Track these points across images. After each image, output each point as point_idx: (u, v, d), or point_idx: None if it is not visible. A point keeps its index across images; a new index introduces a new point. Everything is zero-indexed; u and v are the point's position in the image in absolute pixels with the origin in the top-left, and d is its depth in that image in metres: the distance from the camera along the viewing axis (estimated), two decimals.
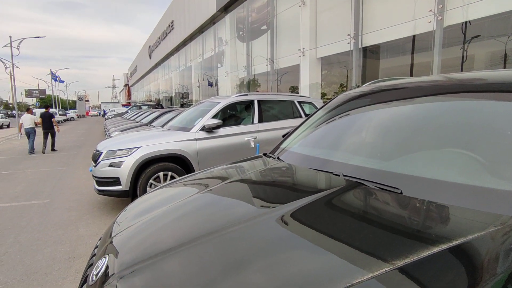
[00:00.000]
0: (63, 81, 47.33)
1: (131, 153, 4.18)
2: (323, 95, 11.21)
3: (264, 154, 2.20)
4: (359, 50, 8.86)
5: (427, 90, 1.79)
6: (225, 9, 17.89)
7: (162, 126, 5.91)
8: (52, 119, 11.07)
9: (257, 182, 1.67)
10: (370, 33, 8.41)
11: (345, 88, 10.36)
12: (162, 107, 24.84)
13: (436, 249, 0.82)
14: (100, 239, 1.50)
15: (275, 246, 0.97)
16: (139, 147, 4.24)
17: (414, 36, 7.99)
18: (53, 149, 11.07)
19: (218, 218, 1.23)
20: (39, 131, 11.28)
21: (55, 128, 11.13)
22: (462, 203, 1.09)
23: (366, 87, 2.21)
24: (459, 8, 6.14)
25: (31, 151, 10.54)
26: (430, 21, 6.60)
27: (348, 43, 8.90)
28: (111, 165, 4.18)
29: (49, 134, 10.96)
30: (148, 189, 4.21)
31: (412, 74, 10.23)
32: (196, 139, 4.51)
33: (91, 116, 56.90)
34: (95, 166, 4.32)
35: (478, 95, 1.56)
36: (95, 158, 4.40)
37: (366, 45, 8.82)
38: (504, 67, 8.51)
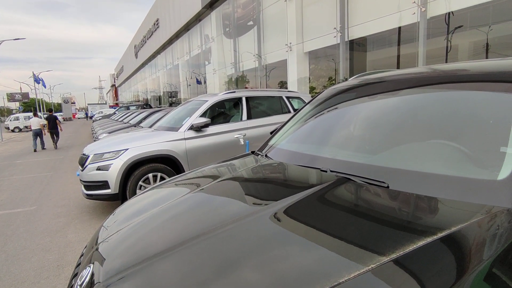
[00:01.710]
0: (45, 86, 46.13)
1: (119, 155, 4.11)
2: (311, 89, 11.23)
3: (253, 152, 2.18)
4: (345, 43, 8.90)
5: (413, 82, 1.80)
6: (210, 6, 17.69)
7: (151, 126, 5.82)
8: (56, 121, 12.97)
9: (248, 180, 1.66)
10: (356, 26, 8.44)
11: (333, 82, 10.41)
12: (151, 107, 24.55)
13: (425, 241, 0.83)
14: (85, 247, 1.46)
15: (269, 244, 0.96)
16: (127, 149, 4.16)
17: (399, 27, 8.05)
18: (55, 147, 12.93)
19: (210, 218, 1.21)
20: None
21: (59, 128, 13.06)
22: (447, 195, 1.09)
23: (353, 81, 2.21)
24: (441, 0, 6.21)
25: (43, 147, 12.73)
26: (414, 13, 6.67)
27: (335, 36, 8.92)
28: (98, 169, 4.09)
29: (54, 134, 12.91)
30: (137, 191, 4.15)
31: (399, 66, 10.36)
32: (185, 139, 4.46)
33: (78, 118, 55.81)
34: (82, 170, 4.23)
35: (461, 85, 1.57)
36: (82, 162, 4.30)
37: (353, 38, 8.86)
38: (487, 57, 8.68)
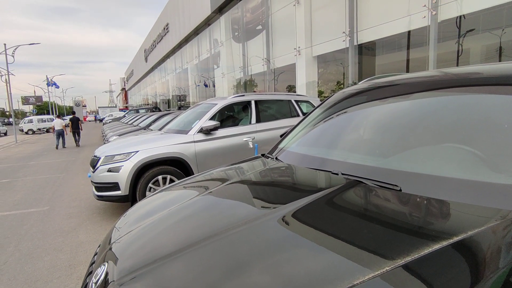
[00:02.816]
0: (58, 86, 47.06)
1: (129, 157, 4.17)
2: (320, 93, 11.20)
3: (263, 155, 2.19)
4: (354, 47, 8.86)
5: (424, 86, 1.79)
6: (219, 10, 17.87)
7: (160, 129, 5.89)
8: (79, 122, 15.00)
9: (257, 183, 1.66)
10: (365, 30, 8.41)
11: (342, 86, 10.37)
12: (160, 110, 24.80)
13: (437, 246, 0.81)
14: (99, 246, 1.49)
15: (277, 247, 0.96)
16: (137, 151, 4.22)
17: (409, 31, 7.99)
18: (77, 145, 14.74)
19: (219, 220, 1.22)
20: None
21: (80, 128, 15.19)
22: (461, 199, 1.08)
23: (363, 84, 2.21)
24: (453, 3, 6.15)
25: (63, 146, 14.43)
26: (425, 16, 6.61)
27: (344, 40, 8.90)
28: (109, 170, 4.16)
29: (76, 133, 14.84)
30: (147, 193, 4.19)
31: (408, 70, 10.25)
32: (194, 142, 4.50)
33: (89, 121, 56.71)
34: (93, 172, 4.30)
35: (474, 89, 1.56)
36: (93, 163, 4.38)
37: (362, 42, 8.83)
38: (500, 60, 8.52)
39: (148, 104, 47.14)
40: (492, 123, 1.37)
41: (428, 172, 1.25)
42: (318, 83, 11.30)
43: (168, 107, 35.30)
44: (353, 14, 8.56)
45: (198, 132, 4.58)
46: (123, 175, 4.08)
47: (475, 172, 1.21)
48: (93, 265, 1.30)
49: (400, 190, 1.18)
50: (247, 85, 16.43)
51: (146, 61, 43.56)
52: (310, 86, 11.06)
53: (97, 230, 3.90)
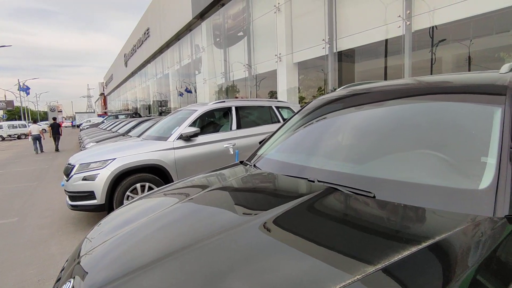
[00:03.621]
0: (28, 92, 45.03)
1: (106, 165, 4.04)
2: (301, 99, 11.36)
3: (241, 162, 2.18)
4: (334, 54, 9.07)
5: (398, 94, 1.84)
6: (201, 16, 17.85)
7: (139, 136, 5.76)
8: (59, 127, 15.40)
9: (236, 190, 1.65)
10: (344, 37, 8.64)
11: (323, 92, 10.56)
12: (140, 116, 24.31)
13: (413, 249, 0.85)
14: (67, 260, 1.41)
15: (258, 254, 0.96)
16: (115, 158, 4.09)
17: (386, 40, 8.28)
18: (57, 149, 14.84)
19: (199, 228, 1.20)
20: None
21: (60, 133, 15.45)
22: (432, 204, 1.11)
23: (340, 92, 2.25)
24: (425, 14, 6.44)
25: (41, 150, 14.58)
26: (400, 26, 6.88)
27: (323, 48, 9.10)
28: (84, 179, 4.00)
29: (56, 138, 15.09)
30: (125, 201, 4.06)
31: (386, 77, 10.60)
32: (174, 148, 4.42)
33: (65, 127, 54.73)
34: (67, 181, 4.13)
35: (445, 97, 1.62)
36: (67, 172, 4.21)
37: (341, 50, 9.05)
38: (469, 69, 8.99)
39: (128, 110, 46.12)
40: (461, 130, 1.43)
41: (401, 178, 1.28)
42: (299, 89, 11.47)
43: (149, 112, 34.68)
44: (332, 22, 8.78)
45: (177, 139, 4.50)
46: (99, 184, 3.93)
47: (445, 178, 1.25)
48: (59, 281, 1.23)
49: (374, 196, 1.20)
50: (229, 91, 16.42)
51: (126, 66, 42.71)
52: (291, 92, 11.20)
53: (71, 242, 3.73)
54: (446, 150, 1.39)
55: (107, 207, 3.98)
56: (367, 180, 1.32)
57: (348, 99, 2.07)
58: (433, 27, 7.14)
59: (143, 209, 1.60)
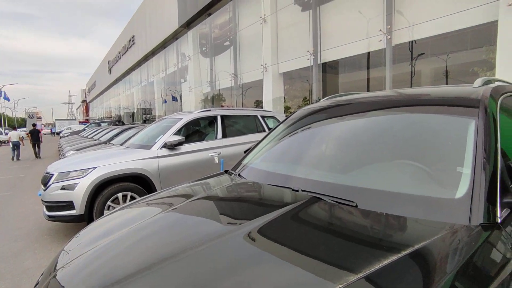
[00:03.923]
0: (8, 99, 43.45)
1: (87, 174, 3.92)
2: (286, 108, 11.49)
3: (226, 171, 2.17)
4: (318, 65, 9.27)
5: (379, 105, 1.89)
6: (187, 25, 17.89)
7: (122, 144, 5.64)
8: (39, 134, 15.11)
9: (220, 199, 1.64)
10: (328, 49, 8.86)
11: (307, 102, 10.73)
12: (123, 124, 23.85)
13: (394, 257, 0.88)
14: (42, 274, 1.35)
15: (242, 264, 0.96)
16: (96, 167, 3.98)
17: (368, 53, 8.54)
18: (38, 156, 14.66)
19: (183, 238, 1.18)
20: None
21: (40, 140, 15.21)
22: (412, 214, 1.14)
23: (324, 102, 2.29)
24: (405, 29, 6.71)
25: (18, 158, 14.24)
26: (381, 40, 7.13)
27: (308, 59, 9.28)
28: (63, 188, 3.87)
29: (36, 145, 14.82)
30: (105, 212, 3.94)
31: (368, 88, 10.90)
32: (158, 157, 4.35)
33: (44, 134, 52.90)
34: (44, 190, 3.98)
35: (423, 109, 1.68)
36: (45, 181, 4.05)
37: (325, 61, 9.26)
38: (446, 82, 9.38)
39: (111, 117, 45.22)
40: (438, 141, 1.48)
41: (382, 188, 1.31)
42: (284, 99, 11.60)
43: (133, 120, 34.10)
44: (317, 34, 9.00)
45: (162, 147, 4.44)
46: (79, 193, 3.81)
47: (424, 188, 1.29)
48: None
49: (356, 206, 1.23)
50: (215, 99, 16.42)
51: (110, 73, 42.04)
52: (277, 102, 11.32)
53: (47, 254, 3.57)
54: (425, 160, 1.44)
55: (87, 217, 3.85)
56: (349, 190, 1.35)
57: (332, 110, 2.11)
58: (412, 41, 7.44)
59: (124, 219, 1.56)
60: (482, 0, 5.16)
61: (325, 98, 2.46)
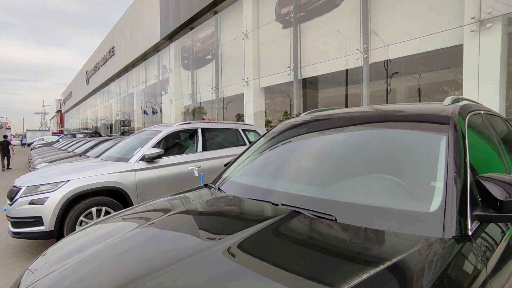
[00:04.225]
0: None
1: (58, 187, 3.73)
2: (267, 122, 11.60)
3: (205, 185, 2.14)
4: (298, 81, 9.49)
5: (357, 120, 1.95)
6: (169, 38, 17.90)
7: (98, 156, 5.45)
8: (9, 146, 15.03)
9: (199, 214, 1.61)
10: (308, 66, 9.12)
11: (288, 116, 10.89)
12: (100, 135, 23.14)
13: (372, 271, 0.89)
14: None
15: (221, 280, 0.93)
16: (69, 180, 3.81)
17: (346, 70, 8.85)
18: (8, 168, 14.58)
19: (160, 254, 1.14)
20: None
21: (11, 152, 15.02)
22: (389, 227, 1.16)
23: (304, 117, 2.33)
24: (380, 48, 7.04)
25: None
26: (358, 58, 7.43)
27: (289, 74, 9.50)
28: (32, 203, 3.65)
29: (6, 157, 14.63)
30: (77, 227, 3.75)
31: (347, 104, 11.24)
32: (135, 170, 4.23)
33: (14, 145, 50.25)
34: (10, 205, 3.74)
35: (398, 125, 1.75)
36: (11, 195, 3.82)
37: (305, 77, 9.50)
38: (419, 99, 9.87)
39: (87, 129, 43.80)
40: (413, 156, 1.54)
41: (360, 201, 1.34)
42: (265, 112, 11.73)
43: (110, 132, 33.17)
44: (297, 51, 9.26)
45: (140, 160, 4.33)
46: (49, 208, 3.61)
47: (400, 202, 1.32)
48: None
49: (335, 220, 1.24)
50: (196, 112, 16.33)
51: (88, 83, 41.01)
52: (258, 116, 11.42)
53: (10, 275, 3.32)
54: (401, 174, 1.48)
55: (57, 234, 3.64)
56: (328, 204, 1.36)
57: (311, 124, 2.15)
58: (387, 60, 7.80)
59: (98, 235, 1.48)
60: (449, 25, 5.53)
61: (305, 112, 2.51)
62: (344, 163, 1.69)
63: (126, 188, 4.07)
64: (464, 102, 2.04)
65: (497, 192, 1.15)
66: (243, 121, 12.05)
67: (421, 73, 10.04)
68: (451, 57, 5.94)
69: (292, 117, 9.66)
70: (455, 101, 1.87)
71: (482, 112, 2.00)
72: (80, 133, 24.09)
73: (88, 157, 6.91)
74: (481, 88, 5.03)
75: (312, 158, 1.85)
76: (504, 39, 4.83)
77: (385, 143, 1.67)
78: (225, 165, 2.41)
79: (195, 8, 13.99)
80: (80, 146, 10.80)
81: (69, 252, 1.33)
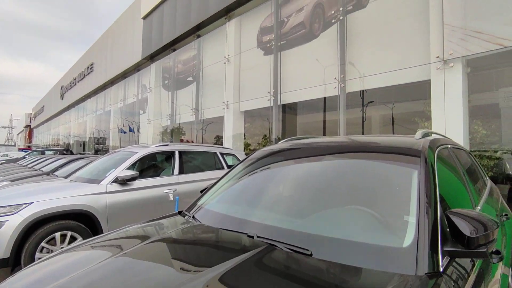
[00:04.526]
0: None
1: (19, 210, 3.47)
2: (246, 145, 11.63)
3: (180, 212, 2.07)
4: (278, 106, 9.69)
5: (334, 150, 1.99)
6: (151, 58, 17.90)
7: (67, 176, 5.18)
8: None
9: (173, 244, 1.54)
10: (288, 92, 9.37)
11: (267, 139, 10.98)
12: (72, 153, 22.18)
13: None
14: None
15: None
16: (32, 202, 3.56)
17: (324, 98, 9.16)
18: None
19: (136, 286, 1.07)
20: None
21: None
22: (364, 263, 1.15)
23: (282, 144, 2.35)
24: (356, 79, 7.40)
25: None
26: (335, 87, 7.74)
27: (269, 99, 9.69)
28: None
29: None
30: (38, 254, 3.47)
31: (325, 129, 11.54)
32: (107, 193, 4.04)
33: None
34: None
35: (373, 156, 1.80)
36: None
37: (285, 103, 9.72)
38: (393, 127, 10.30)
39: (59, 145, 41.90)
40: (388, 189, 1.57)
41: (336, 235, 1.33)
42: (244, 135, 11.78)
43: (83, 150, 31.90)
44: (277, 77, 9.53)
45: (112, 182, 4.15)
46: (6, 233, 3.32)
47: (375, 236, 1.33)
48: None
49: (311, 255, 1.22)
50: (174, 133, 16.12)
51: (62, 99, 39.71)
52: (237, 138, 11.45)
53: None
54: (376, 207, 1.50)
55: (12, 262, 3.34)
56: (304, 237, 1.34)
57: (289, 153, 2.17)
58: (363, 90, 8.17)
59: (63, 265, 1.35)
60: (418, 61, 5.95)
61: (284, 140, 2.53)
62: (320, 194, 1.70)
63: (96, 212, 3.86)
64: (434, 136, 2.14)
65: (465, 228, 1.18)
66: (221, 143, 12.01)
67: (394, 103, 10.58)
68: (421, 90, 6.33)
69: (271, 141, 9.69)
70: (425, 135, 1.96)
71: (449, 146, 2.11)
72: (50, 150, 22.97)
73: (57, 176, 6.55)
74: (447, 120, 5.35)
75: (289, 188, 1.85)
76: (465, 78, 5.25)
77: (360, 175, 1.71)
78: (201, 191, 2.35)
79: (179, 31, 14.20)
80: (49, 164, 10.25)
81: (29, 285, 1.20)
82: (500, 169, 5.87)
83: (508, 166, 6.06)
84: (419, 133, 1.91)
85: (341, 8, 7.65)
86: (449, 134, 5.30)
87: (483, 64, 5.58)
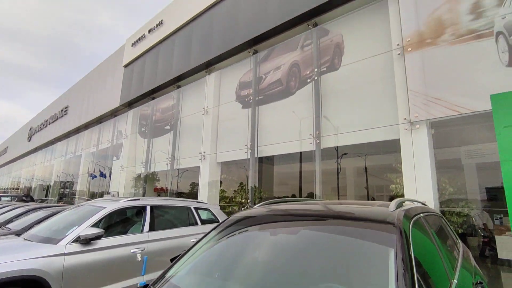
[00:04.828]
0: None
1: None
2: (222, 192, 11.38)
3: (146, 286, 1.88)
4: (255, 159, 9.75)
5: (310, 219, 1.95)
6: (129, 105, 17.92)
7: (20, 234, 4.69)
8: None
9: None
10: (264, 146, 9.52)
11: (243, 187, 10.82)
12: (32, 199, 20.58)
13: None
14: None
15: None
16: None
17: (300, 152, 9.38)
18: None
19: None
20: None
21: None
22: None
23: (258, 209, 2.30)
24: (331, 136, 7.71)
25: None
26: (311, 143, 7.99)
27: (246, 152, 9.76)
28: None
29: None
30: None
31: (301, 179, 11.60)
32: (65, 254, 3.65)
33: None
34: None
35: (348, 230, 1.77)
36: None
37: (262, 155, 9.82)
38: (366, 177, 10.56)
39: (18, 189, 38.91)
40: (363, 266, 1.52)
41: None
42: (221, 183, 11.57)
43: (46, 195, 29.77)
44: (255, 131, 9.74)
45: (73, 242, 3.79)
46: None
47: None
48: None
49: None
50: (148, 179, 15.56)
51: (30, 140, 37.94)
52: (213, 185, 11.23)
53: None
54: (353, 286, 1.44)
55: None
56: None
57: (264, 221, 2.11)
58: (337, 146, 8.49)
59: None
60: (387, 122, 6.36)
61: (260, 204, 2.49)
62: (295, 270, 1.62)
63: (49, 277, 3.44)
64: (407, 203, 2.18)
65: None
66: (197, 190, 11.72)
67: (368, 155, 11.02)
68: (392, 147, 6.68)
69: (248, 190, 9.51)
70: (399, 205, 1.99)
71: (421, 215, 2.15)
72: (6, 196, 21.18)
73: (10, 229, 5.95)
74: (417, 175, 5.58)
75: (262, 262, 1.76)
76: (430, 139, 5.64)
77: (336, 251, 1.66)
78: (171, 260, 2.19)
79: (159, 80, 14.53)
80: (3, 213, 9.33)
81: None
82: (468, 226, 6.11)
83: (476, 222, 6.33)
84: (393, 204, 1.94)
85: (315, 69, 8.24)
86: (420, 188, 5.55)
87: (446, 125, 6.05)
